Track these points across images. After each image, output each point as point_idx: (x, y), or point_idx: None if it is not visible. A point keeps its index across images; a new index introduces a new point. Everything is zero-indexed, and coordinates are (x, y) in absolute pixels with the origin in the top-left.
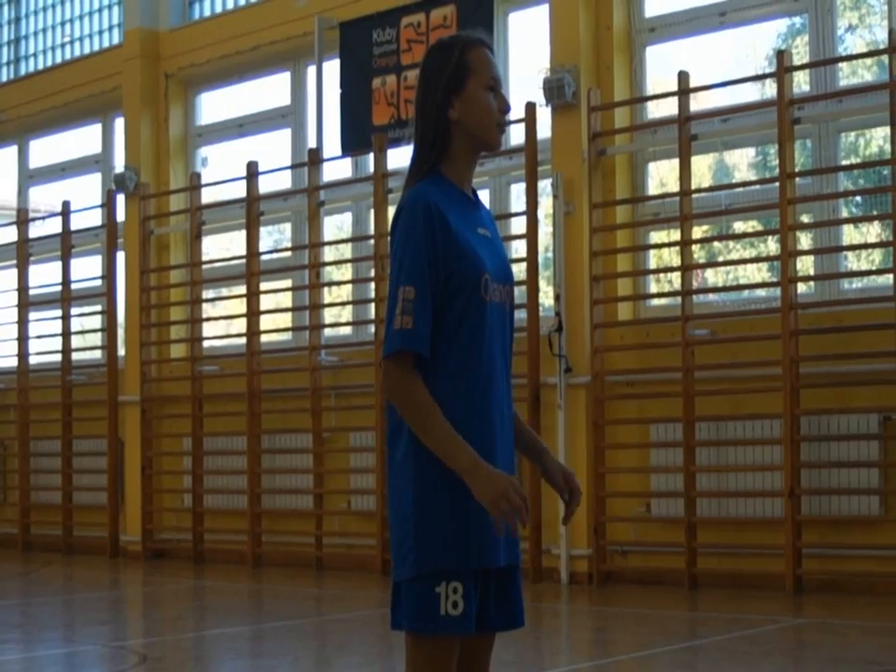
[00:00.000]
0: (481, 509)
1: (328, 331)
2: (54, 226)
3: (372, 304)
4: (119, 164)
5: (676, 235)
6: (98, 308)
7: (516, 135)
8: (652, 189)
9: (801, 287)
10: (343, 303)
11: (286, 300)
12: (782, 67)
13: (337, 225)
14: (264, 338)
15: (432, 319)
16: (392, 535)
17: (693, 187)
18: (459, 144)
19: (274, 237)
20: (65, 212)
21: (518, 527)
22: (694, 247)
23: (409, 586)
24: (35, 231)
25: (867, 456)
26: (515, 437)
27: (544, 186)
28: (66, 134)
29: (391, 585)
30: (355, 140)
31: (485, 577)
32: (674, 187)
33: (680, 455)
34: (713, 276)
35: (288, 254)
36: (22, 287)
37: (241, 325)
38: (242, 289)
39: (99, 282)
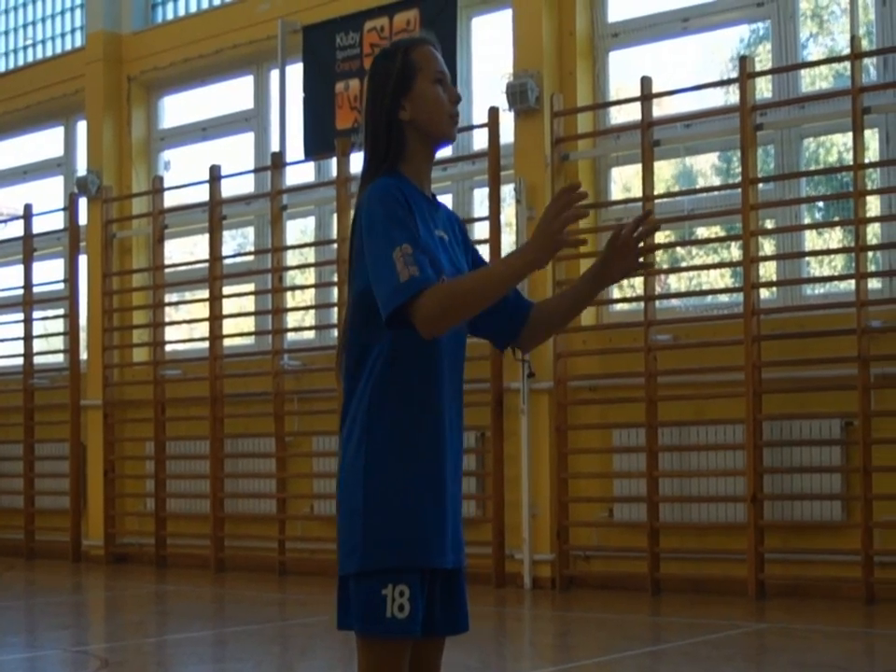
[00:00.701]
0: (430, 507)
1: (291, 335)
2: (16, 229)
3: (335, 308)
4: (82, 167)
5: None
6: (60, 312)
7: (479, 140)
8: (615, 194)
9: (763, 293)
10: (306, 307)
11: (249, 304)
12: (745, 73)
13: (300, 229)
14: (227, 342)
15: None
16: (340, 528)
17: (655, 192)
18: (414, 143)
19: (237, 241)
20: (27, 215)
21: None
22: (657, 252)
23: (357, 586)
24: None
25: (829, 462)
26: (560, 301)
27: (507, 191)
28: (28, 137)
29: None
30: (318, 144)
31: (431, 580)
32: (637, 192)
33: (643, 459)
34: (676, 282)
35: (251, 258)
36: None
37: (203, 329)
38: (204, 293)
39: (61, 285)
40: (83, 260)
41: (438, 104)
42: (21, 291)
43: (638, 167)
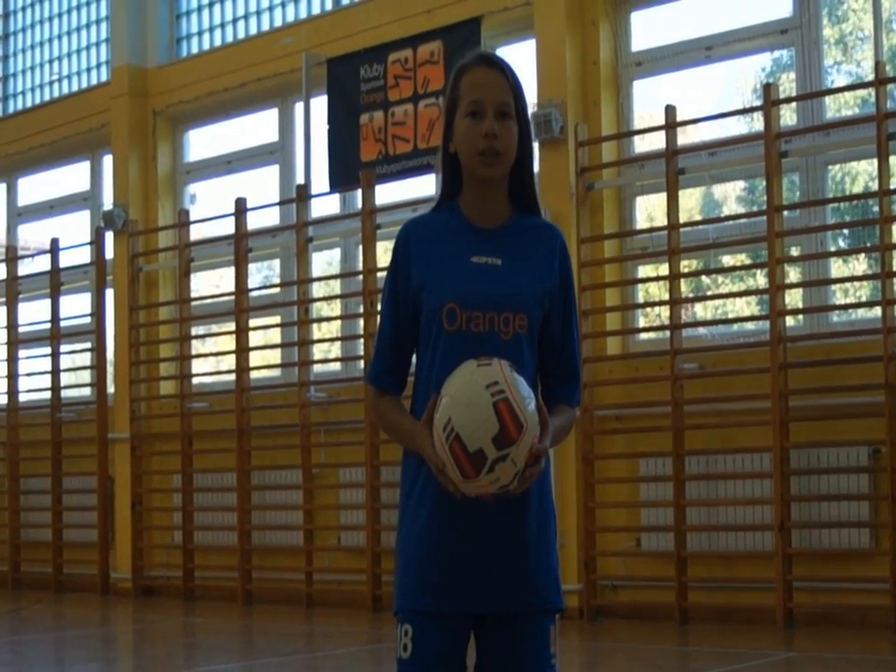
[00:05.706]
0: (432, 551)
1: (317, 367)
2: (43, 263)
3: (361, 340)
4: (108, 202)
5: (664, 269)
6: (87, 345)
7: None
8: (640, 223)
9: (789, 321)
10: (332, 339)
11: (275, 336)
12: (769, 100)
13: (326, 261)
14: (253, 374)
15: (393, 353)
16: None
17: (680, 220)
18: (466, 176)
19: (263, 273)
20: (54, 249)
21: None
22: (683, 281)
23: None
24: (24, 268)
25: (857, 489)
26: None
27: None
28: (55, 172)
29: None
30: (343, 176)
31: (479, 624)
32: (662, 221)
33: (670, 489)
34: (702, 310)
35: (277, 290)
36: (11, 325)
37: (230, 361)
38: (231, 326)
39: (88, 319)
40: (110, 294)
41: (464, 140)
42: (48, 325)
43: (663, 196)
